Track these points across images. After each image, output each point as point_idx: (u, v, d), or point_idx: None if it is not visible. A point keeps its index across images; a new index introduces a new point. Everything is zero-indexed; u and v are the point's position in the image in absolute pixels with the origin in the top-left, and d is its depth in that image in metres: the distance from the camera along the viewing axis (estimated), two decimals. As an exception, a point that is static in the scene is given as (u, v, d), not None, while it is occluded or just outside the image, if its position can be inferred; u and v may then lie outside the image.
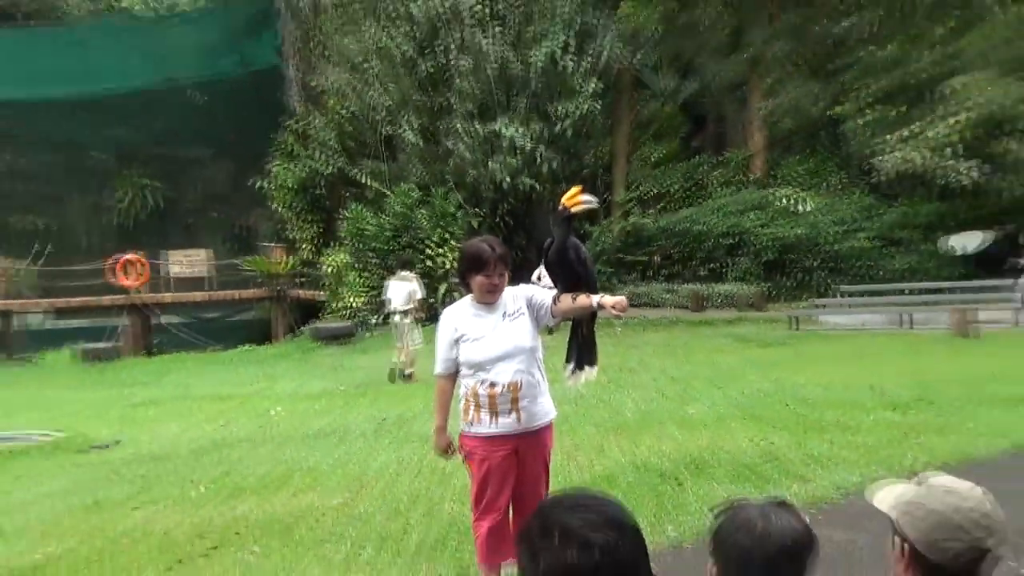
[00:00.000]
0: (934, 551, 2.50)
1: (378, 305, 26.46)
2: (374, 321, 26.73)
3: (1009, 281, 24.60)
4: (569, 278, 6.12)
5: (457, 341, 6.01)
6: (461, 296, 6.30)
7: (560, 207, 6.32)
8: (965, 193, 27.92)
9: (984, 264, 27.74)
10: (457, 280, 22.52)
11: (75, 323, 33.99)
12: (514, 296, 6.06)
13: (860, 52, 29.61)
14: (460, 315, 6.09)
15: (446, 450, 6.25)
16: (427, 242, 29.15)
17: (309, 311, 31.81)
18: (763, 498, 2.72)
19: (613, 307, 5.62)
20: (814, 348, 21.20)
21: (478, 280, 5.92)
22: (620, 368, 18.30)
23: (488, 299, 5.99)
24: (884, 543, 2.76)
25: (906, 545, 2.58)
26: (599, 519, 2.08)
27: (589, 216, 32.34)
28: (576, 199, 6.27)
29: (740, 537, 2.52)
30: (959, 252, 27.79)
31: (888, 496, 2.72)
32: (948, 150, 26.34)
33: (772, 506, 2.62)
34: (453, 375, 6.12)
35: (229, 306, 35.05)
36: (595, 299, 5.76)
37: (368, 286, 29.19)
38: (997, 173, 28.09)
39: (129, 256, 32.51)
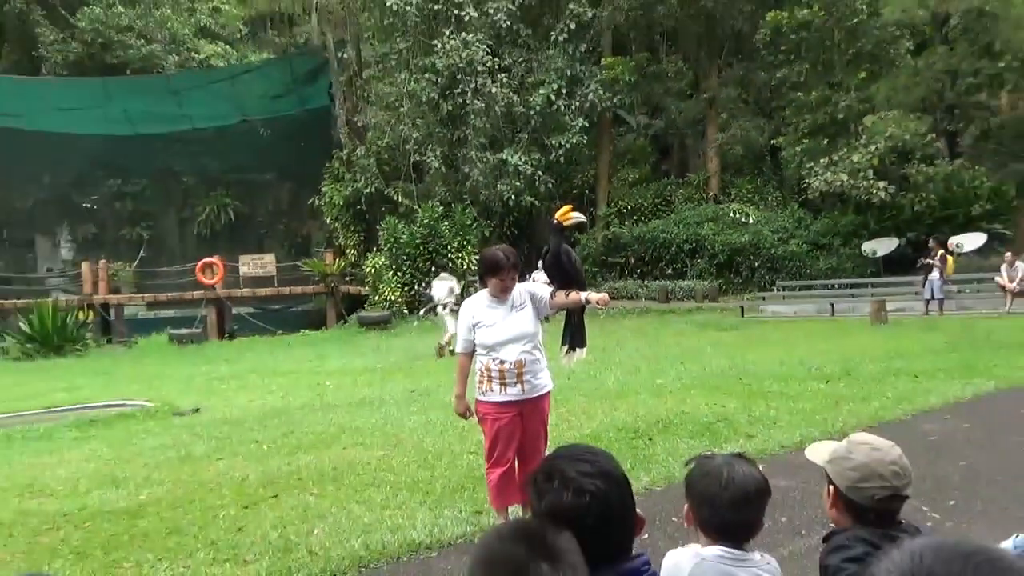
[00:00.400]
0: (856, 493, 2.52)
1: (423, 300, 26.45)
2: (421, 312, 26.65)
3: (916, 278, 24.62)
4: (563, 278, 6.29)
5: (474, 327, 6.13)
6: (475, 292, 6.38)
7: (555, 221, 6.43)
8: (877, 207, 27.96)
9: (891, 265, 27.75)
10: (474, 279, 22.51)
11: (165, 314, 34.05)
12: (520, 291, 6.16)
13: (793, 95, 29.61)
14: (477, 306, 6.21)
15: (464, 413, 6.31)
16: (448, 248, 29.19)
17: (355, 303, 31.82)
18: (725, 452, 2.73)
19: (597, 302, 5.97)
20: (759, 332, 21.18)
21: (494, 281, 6.06)
22: (603, 349, 18.28)
23: (501, 296, 6.10)
24: (821, 490, 2.76)
25: (832, 488, 2.61)
26: (592, 470, 2.08)
27: (580, 227, 32.39)
28: (568, 215, 6.43)
29: (709, 483, 2.54)
30: (874, 255, 27.77)
31: (821, 452, 2.74)
32: (864, 173, 26.38)
33: (734, 458, 2.64)
34: (470, 354, 6.23)
35: (290, 299, 35.06)
36: (583, 295, 6.06)
37: (402, 283, 29.19)
38: (903, 192, 28.14)
39: (208, 260, 32.53)
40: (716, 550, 2.52)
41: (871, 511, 2.52)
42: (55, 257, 40.33)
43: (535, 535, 1.68)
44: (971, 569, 1.16)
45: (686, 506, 2.63)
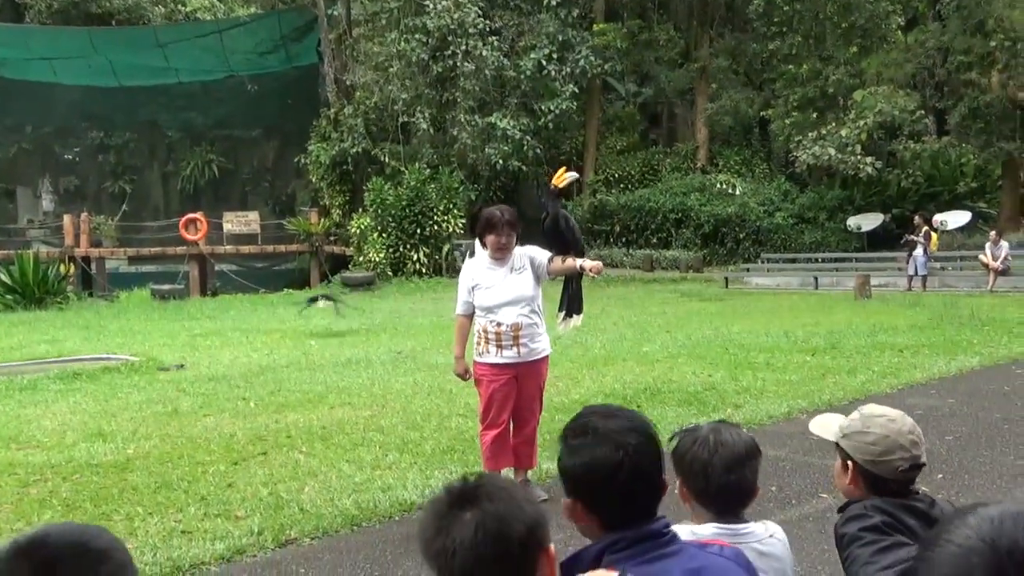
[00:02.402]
0: (880, 467, 2.51)
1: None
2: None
3: (900, 254, 24.75)
4: (560, 244, 6.27)
5: (473, 288, 6.14)
6: (462, 255, 6.39)
7: (551, 186, 6.42)
8: (863, 182, 28.06)
9: (876, 240, 27.89)
10: (459, 243, 22.46)
11: (147, 269, 33.83)
12: (520, 255, 6.15)
13: (784, 67, 29.58)
14: (476, 268, 6.20)
15: (463, 374, 6.31)
16: (435, 211, 29.09)
17: (339, 263, 31.68)
18: (708, 421, 2.70)
19: (590, 270, 5.95)
20: (743, 303, 21.25)
21: (490, 239, 6.04)
22: (588, 315, 18.14)
23: (499, 255, 6.09)
24: (834, 465, 2.74)
25: (850, 463, 2.59)
26: (628, 425, 2.06)
27: (566, 194, 32.28)
28: (562, 177, 6.40)
29: (698, 451, 2.47)
30: (859, 230, 27.88)
31: (828, 426, 2.72)
32: (852, 148, 26.44)
33: (718, 424, 2.60)
34: (470, 315, 6.25)
35: (274, 257, 34.86)
36: (579, 262, 5.99)
37: (387, 245, 29.08)
38: (889, 167, 28.24)
39: (191, 215, 32.28)
40: (711, 527, 2.47)
41: (893, 483, 2.52)
42: (36, 208, 39.94)
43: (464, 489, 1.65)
44: None
45: (678, 482, 2.55)
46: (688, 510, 2.59)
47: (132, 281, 30.87)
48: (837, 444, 2.66)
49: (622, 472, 1.98)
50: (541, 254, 6.22)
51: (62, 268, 28.79)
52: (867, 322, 15.78)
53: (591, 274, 6.05)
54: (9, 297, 25.54)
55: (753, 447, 2.54)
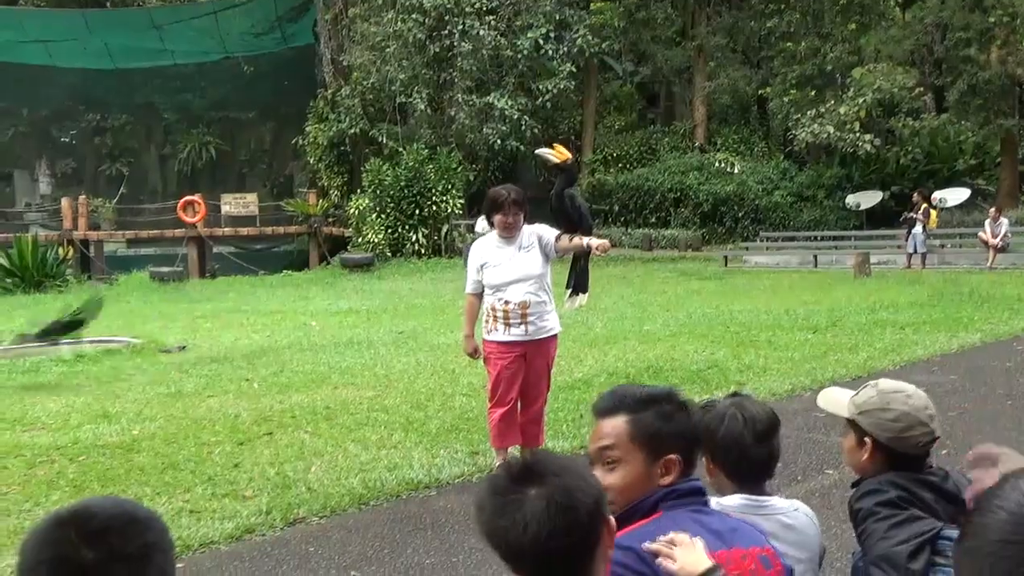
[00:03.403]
0: (901, 443, 2.52)
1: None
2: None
3: (899, 231, 24.74)
4: (566, 222, 6.28)
5: (482, 267, 6.15)
6: (461, 236, 6.41)
7: (558, 165, 6.42)
8: (862, 160, 28.03)
9: (874, 218, 27.87)
10: (458, 223, 22.42)
11: (146, 251, 33.76)
12: (528, 233, 6.18)
13: (783, 45, 29.47)
14: (485, 247, 6.25)
15: (472, 353, 6.32)
16: (433, 191, 29.01)
17: (338, 244, 31.61)
18: (723, 396, 2.74)
19: (597, 248, 5.93)
20: (742, 282, 21.26)
21: (497, 218, 6.08)
22: (589, 295, 18.26)
23: (506, 234, 6.12)
24: (843, 441, 2.74)
25: (867, 440, 2.58)
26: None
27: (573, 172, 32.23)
28: (562, 152, 6.41)
29: (731, 426, 2.52)
30: (857, 208, 27.87)
31: (839, 402, 2.71)
32: (850, 125, 26.38)
33: (738, 398, 2.66)
34: (479, 294, 6.28)
35: (272, 239, 34.76)
36: (585, 240, 6.00)
37: (385, 226, 29.02)
38: (888, 145, 28.20)
39: (189, 198, 32.18)
40: (737, 499, 2.50)
41: (913, 458, 2.53)
42: (34, 192, 39.85)
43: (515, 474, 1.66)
44: None
45: (705, 459, 2.58)
46: (711, 484, 2.60)
47: (131, 264, 30.83)
48: (850, 421, 2.65)
49: None
50: (549, 232, 6.26)
51: (61, 251, 28.76)
52: (867, 300, 15.79)
53: (597, 252, 6.07)
54: (8, 281, 25.52)
55: (775, 417, 2.61)
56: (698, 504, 2.17)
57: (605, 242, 6.11)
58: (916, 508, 2.44)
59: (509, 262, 6.13)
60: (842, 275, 21.58)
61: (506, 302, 6.09)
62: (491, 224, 6.27)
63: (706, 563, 1.92)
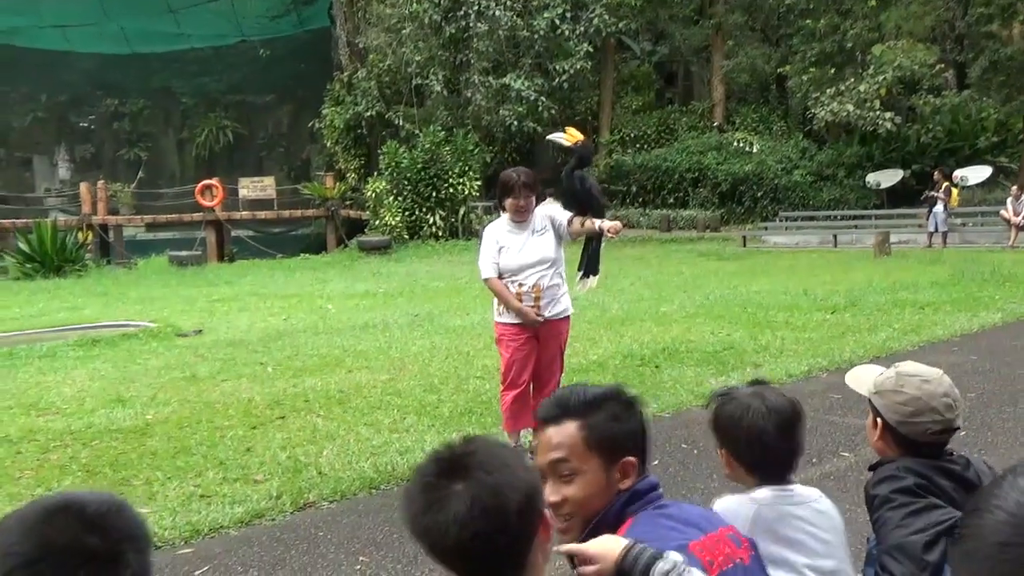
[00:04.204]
0: (908, 428, 2.45)
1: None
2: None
3: (920, 210, 24.50)
4: (577, 204, 6.22)
5: (499, 251, 6.08)
6: (478, 218, 6.34)
7: (569, 145, 6.35)
8: (882, 138, 27.77)
9: (895, 197, 27.62)
10: (475, 205, 22.34)
11: (164, 235, 33.88)
12: (542, 216, 6.16)
13: (802, 22, 29.16)
14: (499, 231, 6.22)
15: (534, 316, 6.08)
16: (450, 173, 28.90)
17: (355, 227, 31.63)
18: (741, 385, 2.60)
19: (608, 230, 5.95)
20: (761, 262, 21.11)
21: (508, 202, 6.06)
22: (605, 275, 18.01)
23: (518, 218, 6.09)
24: (864, 422, 2.67)
25: (879, 420, 2.52)
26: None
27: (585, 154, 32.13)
28: (571, 135, 6.33)
29: (752, 418, 2.40)
30: (878, 186, 27.62)
31: (864, 379, 2.65)
32: (870, 103, 26.13)
33: (757, 387, 2.53)
34: (500, 276, 6.14)
35: (290, 222, 34.87)
36: (597, 223, 5.94)
37: (402, 208, 28.96)
38: (909, 123, 27.91)
39: (207, 182, 32.24)
40: (768, 492, 2.41)
41: (923, 445, 2.46)
42: (53, 177, 40.05)
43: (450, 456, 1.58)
44: None
45: (722, 453, 2.49)
46: (728, 478, 2.53)
47: (150, 248, 30.96)
48: (870, 399, 2.60)
49: None
50: (561, 214, 6.22)
51: (80, 236, 28.87)
52: (887, 279, 15.64)
53: (610, 234, 6.00)
54: (29, 266, 25.65)
55: (799, 407, 2.49)
56: (657, 500, 2.07)
57: (617, 224, 6.05)
58: (934, 496, 2.37)
59: (523, 246, 6.10)
60: (862, 255, 21.39)
61: (520, 285, 6.07)
62: (503, 208, 6.22)
63: (622, 542, 1.83)
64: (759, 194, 29.57)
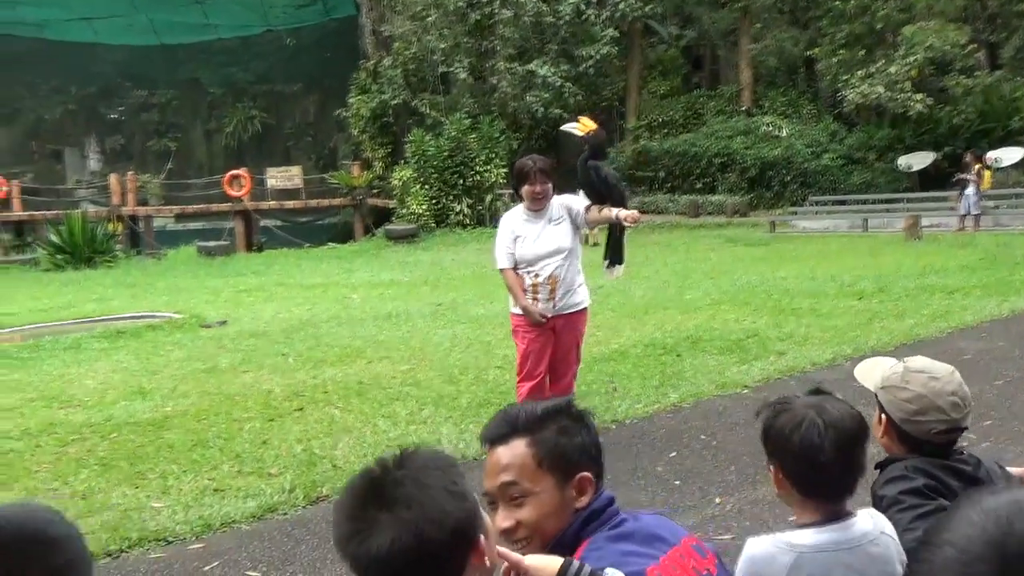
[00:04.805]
0: (912, 426, 2.35)
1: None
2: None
3: (951, 193, 24.16)
4: (596, 194, 6.15)
5: (515, 240, 6.01)
6: (504, 205, 6.25)
7: (581, 135, 6.29)
8: (913, 121, 27.41)
9: (927, 180, 27.26)
10: (501, 193, 22.24)
11: (194, 226, 34.04)
12: (558, 205, 6.10)
13: (831, 4, 28.77)
14: (515, 220, 6.16)
15: (541, 317, 6.04)
16: (476, 161, 28.83)
17: (382, 216, 31.62)
18: (803, 394, 2.30)
19: (625, 219, 5.86)
20: (789, 247, 20.90)
21: (525, 189, 6.01)
22: (630, 263, 17.90)
23: (535, 206, 6.02)
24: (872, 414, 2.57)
25: (884, 416, 2.43)
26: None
27: (607, 139, 32.00)
28: (584, 125, 6.26)
29: (806, 433, 2.12)
30: (909, 169, 27.27)
31: (872, 373, 2.54)
32: (901, 85, 25.80)
33: (819, 399, 2.23)
34: (515, 267, 6.08)
35: (318, 212, 34.92)
36: (614, 212, 5.87)
37: (429, 197, 28.93)
38: (940, 104, 27.53)
39: (235, 172, 32.34)
40: (812, 537, 2.11)
41: (927, 444, 2.36)
42: (83, 168, 40.35)
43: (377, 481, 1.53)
44: None
45: (773, 468, 2.23)
46: (780, 497, 2.28)
47: (179, 238, 31.11)
48: (876, 394, 2.50)
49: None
50: (578, 203, 6.15)
51: (110, 227, 29.07)
52: (917, 264, 15.43)
53: (628, 223, 5.92)
54: (59, 257, 25.85)
55: (862, 422, 2.20)
56: (613, 517, 1.94)
57: (634, 213, 5.94)
58: (943, 498, 2.27)
59: (539, 236, 6.03)
60: (892, 239, 21.12)
61: (536, 275, 6.00)
62: (519, 197, 6.15)
63: (558, 560, 1.74)
64: (788, 178, 29.29)
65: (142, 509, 5.40)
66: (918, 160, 27.15)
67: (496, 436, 1.97)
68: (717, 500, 5.19)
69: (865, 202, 27.38)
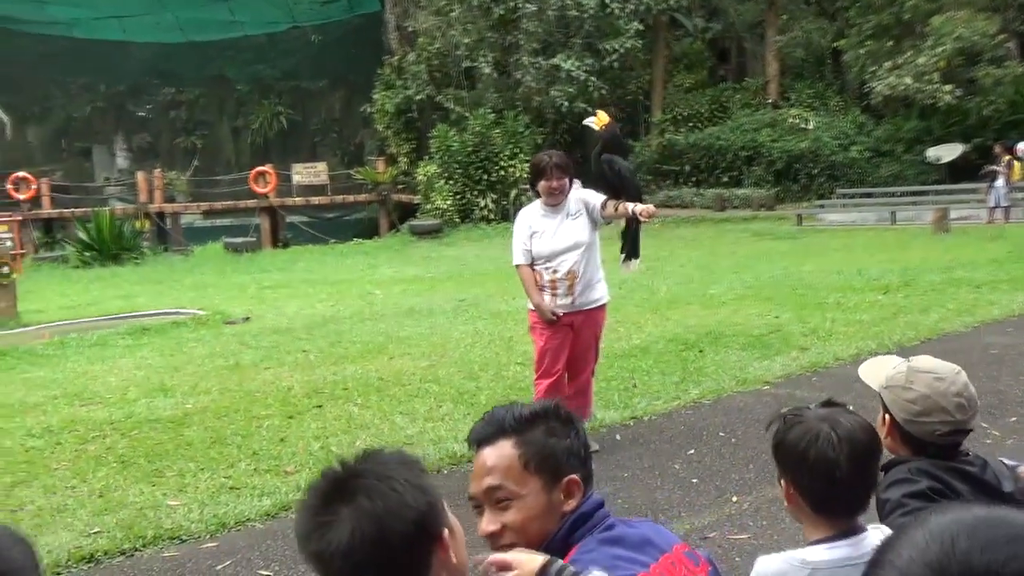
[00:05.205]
0: (915, 427, 2.29)
1: None
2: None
3: (980, 185, 23.84)
4: (608, 187, 6.09)
5: (531, 236, 5.96)
6: (529, 200, 6.20)
7: (596, 130, 6.26)
8: (942, 112, 27.10)
9: (956, 172, 26.93)
10: (526, 187, 22.21)
11: (221, 222, 34.22)
12: (576, 200, 6.05)
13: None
14: (532, 216, 6.12)
15: (554, 316, 6.00)
16: (500, 156, 28.80)
17: (407, 211, 31.66)
18: (814, 406, 2.21)
19: (640, 213, 5.76)
20: (816, 241, 20.73)
21: (542, 185, 5.96)
22: (656, 258, 17.96)
23: (552, 201, 5.97)
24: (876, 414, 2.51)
25: (888, 417, 2.37)
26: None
27: (632, 133, 31.96)
28: (599, 119, 6.23)
29: (821, 447, 2.05)
30: (938, 161, 26.96)
31: (876, 372, 2.48)
32: (929, 76, 25.50)
33: (828, 409, 2.17)
34: (531, 263, 6.04)
35: (343, 208, 35.01)
36: (629, 206, 5.81)
37: (453, 192, 28.92)
38: (969, 95, 27.20)
39: (261, 168, 32.48)
40: (825, 553, 2.05)
41: (931, 445, 2.29)
42: (112, 166, 40.68)
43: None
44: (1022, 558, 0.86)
45: (784, 482, 2.16)
46: (789, 511, 2.22)
47: (206, 235, 31.32)
48: (880, 393, 2.44)
49: None
50: (595, 197, 6.08)
51: (137, 224, 29.29)
52: (944, 257, 15.24)
53: (643, 218, 5.85)
54: (87, 254, 26.08)
55: (876, 435, 2.16)
56: (604, 521, 1.89)
57: (650, 207, 5.87)
58: (949, 500, 2.21)
59: (556, 231, 5.98)
60: (920, 232, 20.87)
61: (554, 271, 5.95)
62: (536, 193, 6.10)
63: (542, 557, 1.70)
64: (815, 171, 29.01)
65: (158, 507, 5.41)
66: (947, 152, 26.82)
67: (482, 437, 1.93)
68: (734, 499, 5.12)
69: (893, 195, 27.09)
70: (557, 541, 1.86)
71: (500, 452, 1.89)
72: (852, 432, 2.06)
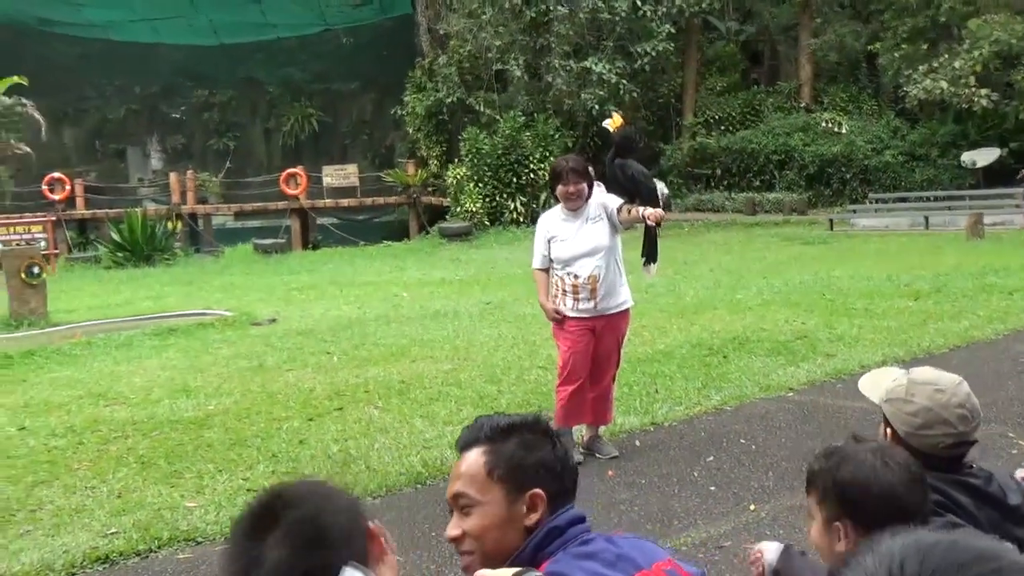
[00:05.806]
0: (918, 440, 2.25)
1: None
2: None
3: (1017, 190, 23.54)
4: (624, 192, 6.09)
5: (550, 241, 6.00)
6: (558, 203, 6.19)
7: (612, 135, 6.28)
8: (978, 116, 26.79)
9: (992, 176, 26.60)
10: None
11: (252, 223, 34.45)
12: (595, 204, 6.04)
13: (894, -3, 28.28)
14: (552, 220, 6.14)
15: (557, 315, 6.09)
16: (530, 159, 28.80)
17: (437, 213, 31.74)
18: (852, 442, 2.17)
19: (648, 218, 5.80)
20: (847, 246, 20.55)
21: (560, 190, 5.98)
22: (684, 262, 17.89)
23: (570, 205, 5.99)
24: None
25: (889, 430, 2.33)
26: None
27: (663, 136, 31.90)
28: (614, 122, 6.24)
29: (885, 478, 2.02)
30: (973, 166, 26.65)
31: (876, 386, 2.45)
32: (965, 80, 25.20)
33: (868, 444, 2.15)
34: (547, 268, 6.12)
35: (373, 210, 35.15)
36: (640, 210, 5.79)
37: (483, 195, 28.94)
38: (1006, 99, 26.86)
39: (291, 170, 32.68)
40: None
41: (934, 458, 2.25)
42: (145, 167, 41.03)
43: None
44: None
45: (841, 527, 2.07)
46: (839, 551, 2.08)
47: (237, 236, 31.53)
48: (881, 407, 2.41)
49: None
50: (614, 201, 6.07)
51: (169, 225, 29.56)
52: (977, 263, 15.03)
53: (650, 222, 5.86)
54: (120, 254, 26.35)
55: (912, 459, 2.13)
56: (580, 536, 1.87)
57: (657, 211, 5.85)
58: (953, 515, 2.17)
59: (576, 235, 5.98)
60: (954, 237, 20.63)
61: (575, 276, 5.95)
62: (555, 199, 6.11)
63: (511, 571, 1.71)
64: (848, 176, 28.77)
65: (175, 508, 5.44)
66: (983, 156, 26.50)
67: (463, 444, 1.98)
68: (752, 507, 5.07)
69: (927, 199, 26.81)
70: (526, 555, 1.85)
71: (470, 460, 1.92)
72: (901, 458, 2.07)
